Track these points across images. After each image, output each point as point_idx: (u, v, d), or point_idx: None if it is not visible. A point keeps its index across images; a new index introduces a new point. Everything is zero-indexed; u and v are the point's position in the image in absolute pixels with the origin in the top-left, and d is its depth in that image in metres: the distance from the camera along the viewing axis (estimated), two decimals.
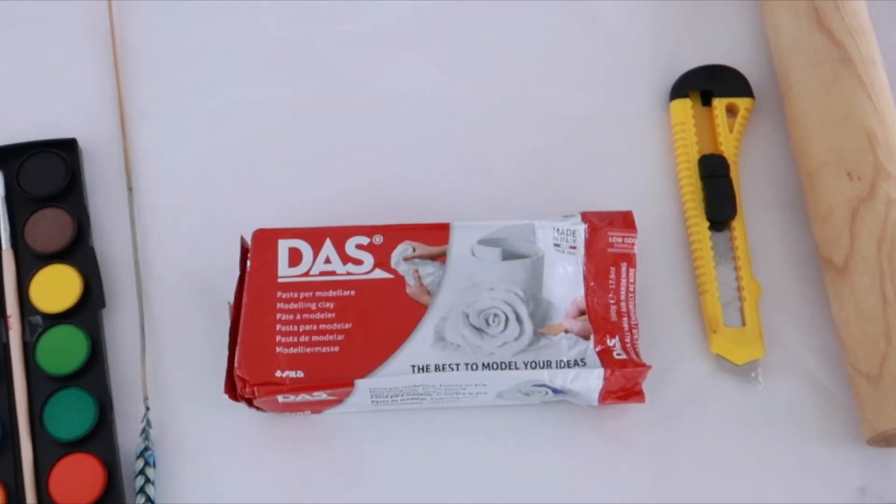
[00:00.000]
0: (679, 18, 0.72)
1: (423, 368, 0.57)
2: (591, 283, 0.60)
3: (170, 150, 0.68)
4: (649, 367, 0.58)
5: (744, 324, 0.63)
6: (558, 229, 0.61)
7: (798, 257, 0.65)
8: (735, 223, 0.65)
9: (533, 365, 0.57)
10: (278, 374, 0.57)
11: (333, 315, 0.58)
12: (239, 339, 0.58)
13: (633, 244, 0.62)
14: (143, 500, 0.58)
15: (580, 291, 0.60)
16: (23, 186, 0.66)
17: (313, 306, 0.59)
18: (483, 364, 0.57)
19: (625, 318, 0.60)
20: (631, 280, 0.61)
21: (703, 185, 0.65)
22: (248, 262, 0.60)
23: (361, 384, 0.57)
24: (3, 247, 0.64)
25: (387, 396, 0.58)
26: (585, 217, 0.62)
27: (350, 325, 0.58)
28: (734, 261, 0.64)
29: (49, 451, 0.60)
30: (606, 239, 0.62)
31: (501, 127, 0.69)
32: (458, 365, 0.57)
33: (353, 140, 0.69)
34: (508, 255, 0.60)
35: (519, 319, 0.58)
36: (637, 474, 0.60)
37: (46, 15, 0.72)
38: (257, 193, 0.67)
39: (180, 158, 0.68)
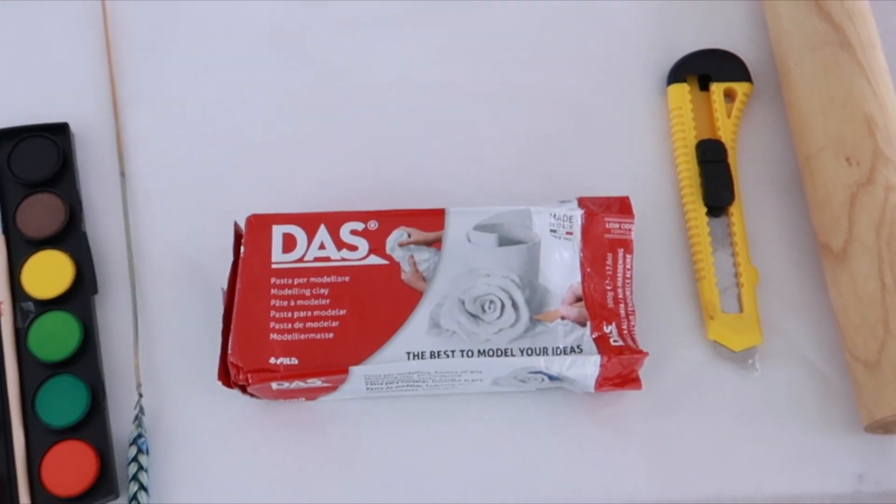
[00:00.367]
0: (677, 2, 0.72)
1: (418, 355, 0.57)
2: (588, 270, 0.60)
3: (163, 134, 0.68)
4: (646, 353, 0.58)
5: (741, 310, 0.63)
6: (555, 215, 0.61)
7: (796, 243, 0.65)
8: (733, 209, 0.65)
9: (529, 352, 0.57)
10: (272, 360, 0.57)
11: (328, 301, 0.58)
12: (232, 326, 0.58)
13: (629, 230, 0.62)
14: (136, 487, 0.59)
15: (577, 278, 0.60)
16: (14, 171, 0.66)
17: (307, 292, 0.59)
18: (479, 351, 0.57)
19: (621, 305, 0.60)
20: (628, 266, 0.61)
21: (700, 171, 0.65)
22: (242, 248, 0.60)
23: (356, 371, 0.57)
24: None
25: (382, 383, 0.58)
26: (582, 202, 0.62)
27: (345, 311, 0.58)
28: (732, 247, 0.64)
29: (41, 439, 0.60)
30: (603, 224, 0.62)
31: (497, 112, 0.69)
32: (453, 352, 0.57)
33: (347, 125, 0.69)
34: (504, 241, 0.60)
35: (515, 306, 0.58)
36: (633, 461, 0.60)
37: None
38: (251, 178, 0.67)
39: (173, 143, 0.68)
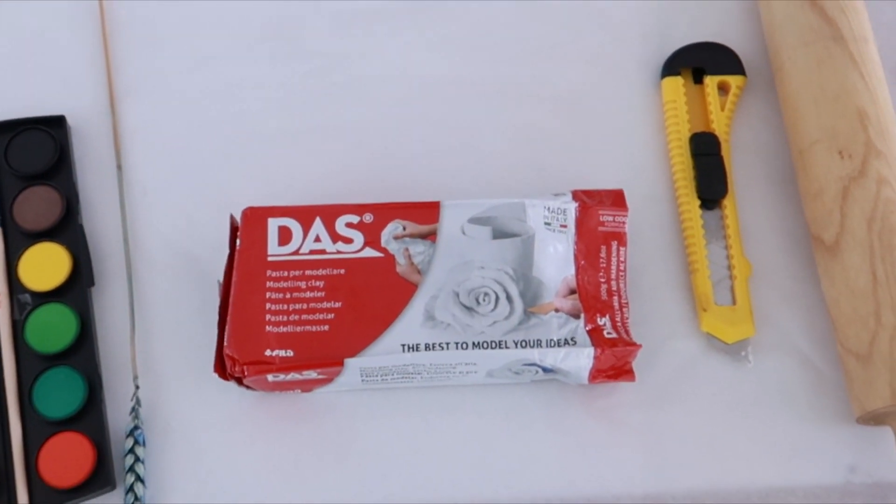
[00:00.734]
0: None
1: (413, 347, 0.57)
2: (582, 262, 0.61)
3: (159, 127, 0.68)
4: (639, 346, 0.58)
5: (734, 302, 0.63)
6: (549, 208, 0.61)
7: (789, 236, 0.65)
8: (726, 202, 0.65)
9: (523, 344, 0.57)
10: (268, 353, 0.57)
11: (323, 294, 0.58)
12: (228, 318, 0.58)
13: (623, 223, 0.62)
14: (132, 478, 0.59)
15: (571, 270, 0.60)
16: (11, 164, 0.66)
17: (303, 285, 0.59)
18: (473, 343, 0.57)
19: (615, 297, 0.60)
20: (621, 259, 0.61)
21: (694, 164, 0.66)
22: (238, 241, 0.60)
23: (351, 363, 0.57)
24: None
25: (377, 375, 0.59)
26: (576, 196, 0.62)
27: (340, 303, 0.58)
28: (725, 239, 0.65)
29: (38, 430, 0.60)
30: (597, 217, 0.62)
31: (492, 105, 0.69)
32: (448, 344, 0.57)
33: (343, 118, 0.69)
34: (499, 234, 0.60)
35: (509, 298, 0.58)
36: (627, 452, 0.60)
37: None
38: (247, 171, 0.67)
39: (170, 136, 0.68)
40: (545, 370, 0.59)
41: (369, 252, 0.60)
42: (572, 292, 0.59)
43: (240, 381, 0.59)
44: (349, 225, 0.60)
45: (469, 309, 0.58)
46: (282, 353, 0.57)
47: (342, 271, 0.59)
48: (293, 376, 0.58)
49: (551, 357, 0.57)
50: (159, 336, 0.63)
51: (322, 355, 0.57)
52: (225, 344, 0.57)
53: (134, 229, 0.66)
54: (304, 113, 0.69)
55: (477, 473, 0.60)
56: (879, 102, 0.62)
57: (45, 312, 0.63)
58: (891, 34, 0.69)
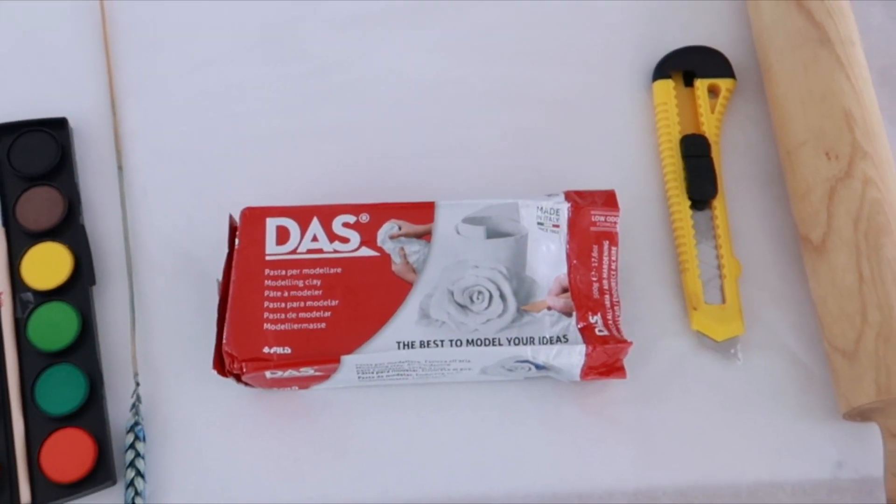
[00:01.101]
0: (662, 0, 0.72)
1: (408, 345, 0.58)
2: (574, 261, 0.61)
3: (159, 129, 0.69)
4: (630, 343, 0.59)
5: (724, 301, 0.63)
6: (542, 208, 0.62)
7: (778, 236, 0.66)
8: (716, 202, 0.66)
9: (516, 341, 0.58)
10: (266, 350, 0.57)
11: (320, 292, 0.59)
12: (227, 316, 0.58)
13: (615, 223, 0.63)
14: (133, 473, 0.59)
15: (563, 269, 0.60)
16: (14, 165, 0.66)
17: (300, 283, 0.59)
18: (467, 340, 0.58)
19: (606, 296, 0.61)
20: (613, 258, 0.62)
21: (684, 165, 0.66)
22: (237, 240, 0.61)
23: (348, 360, 0.57)
24: None
25: (373, 372, 0.59)
26: (569, 196, 0.63)
27: (337, 302, 0.59)
28: (715, 239, 0.65)
29: (40, 426, 0.60)
30: (589, 217, 0.62)
31: (486, 107, 0.69)
32: (442, 341, 0.58)
33: (340, 120, 0.69)
34: (493, 234, 0.60)
35: (503, 297, 0.59)
36: (619, 448, 0.61)
37: None
38: (246, 172, 0.67)
39: (170, 137, 0.68)
40: (538, 367, 0.59)
41: (365, 251, 0.60)
42: (564, 291, 0.60)
43: (238, 378, 0.59)
44: (346, 225, 0.61)
45: (463, 307, 0.59)
46: (280, 350, 0.57)
47: (339, 270, 0.59)
48: (291, 373, 0.58)
49: (544, 354, 0.58)
50: (159, 334, 0.63)
51: (319, 352, 0.57)
52: (224, 341, 0.58)
53: (134, 229, 0.66)
54: (302, 114, 0.69)
55: (471, 469, 0.60)
56: (865, 104, 0.63)
57: (48, 311, 0.63)
58: (878, 37, 0.70)
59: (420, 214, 0.61)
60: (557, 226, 0.62)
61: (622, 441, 0.61)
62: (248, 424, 0.61)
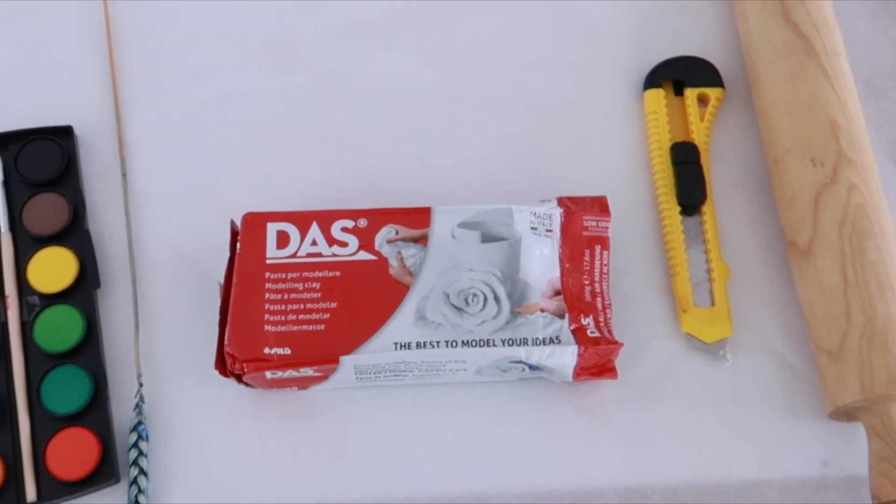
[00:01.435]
0: (653, 11, 0.73)
1: (405, 345, 0.58)
2: (567, 265, 0.62)
3: (162, 136, 0.69)
4: (621, 344, 0.59)
5: (713, 304, 0.64)
6: (535, 213, 0.62)
7: (765, 240, 0.66)
8: (705, 208, 0.66)
9: (510, 342, 0.58)
10: (266, 350, 0.58)
11: (319, 295, 0.59)
12: (229, 318, 0.59)
13: (606, 228, 0.63)
14: (136, 472, 0.59)
15: (556, 273, 0.61)
16: (21, 172, 0.67)
17: (300, 286, 0.60)
18: (462, 341, 0.58)
19: (598, 299, 0.61)
20: (605, 262, 0.62)
21: (674, 172, 0.66)
22: (238, 244, 0.61)
23: (346, 360, 0.58)
24: (2, 230, 0.65)
25: (370, 373, 0.59)
26: (561, 202, 0.63)
27: (335, 304, 0.59)
28: (704, 244, 0.65)
29: (46, 426, 0.61)
30: (581, 223, 0.63)
31: (482, 115, 0.70)
32: (438, 342, 0.58)
33: (339, 128, 0.69)
34: (487, 238, 0.61)
35: (497, 299, 0.59)
36: (611, 447, 0.61)
37: (43, 6, 0.73)
38: (247, 179, 0.68)
39: (173, 145, 0.69)
40: (531, 368, 0.60)
41: (363, 255, 0.60)
42: (557, 294, 0.60)
43: (239, 379, 0.59)
44: (344, 229, 0.61)
45: (459, 309, 0.59)
46: (280, 350, 0.58)
47: (337, 273, 0.60)
48: (290, 373, 0.59)
49: (537, 355, 0.58)
50: (162, 336, 0.64)
51: (318, 353, 0.58)
52: (225, 342, 0.58)
53: (138, 234, 0.66)
54: (302, 122, 0.69)
55: (467, 468, 0.61)
56: (850, 113, 0.64)
57: (53, 313, 0.63)
58: (863, 49, 0.71)
59: (416, 219, 0.62)
60: (550, 230, 0.62)
61: (614, 440, 0.61)
62: (249, 424, 0.62)
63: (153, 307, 0.65)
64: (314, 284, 0.60)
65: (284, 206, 0.63)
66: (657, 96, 0.69)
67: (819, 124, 0.63)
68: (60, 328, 0.63)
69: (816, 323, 0.61)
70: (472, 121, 0.70)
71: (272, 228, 0.61)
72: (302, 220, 0.62)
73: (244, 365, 0.58)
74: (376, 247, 0.61)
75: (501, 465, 0.61)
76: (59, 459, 0.60)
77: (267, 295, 0.60)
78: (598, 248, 0.63)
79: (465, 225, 0.61)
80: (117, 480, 0.60)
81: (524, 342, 0.59)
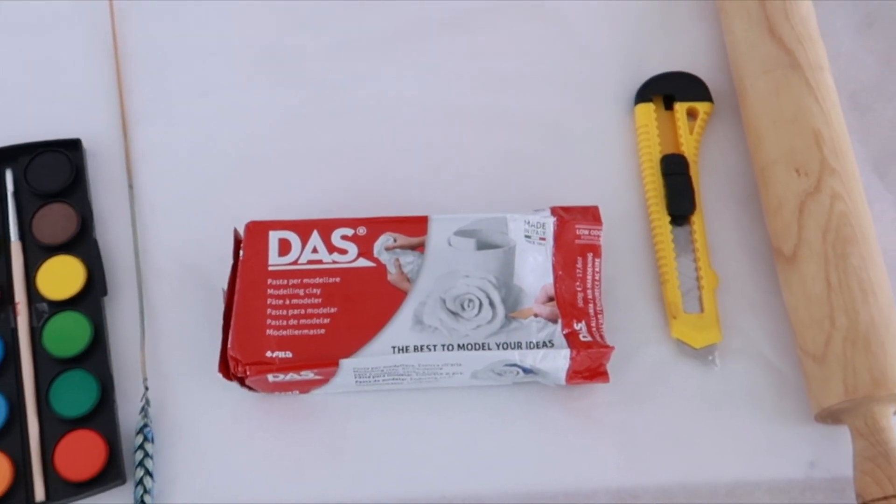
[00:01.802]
0: (644, 29, 0.74)
1: (402, 349, 0.59)
2: (560, 272, 0.62)
3: (168, 149, 0.70)
4: (612, 347, 0.60)
5: (702, 310, 0.65)
6: (529, 222, 0.63)
7: (753, 249, 0.67)
8: (694, 218, 0.67)
9: (505, 346, 0.59)
10: (268, 354, 0.59)
11: (320, 300, 0.60)
12: (232, 323, 0.60)
13: (598, 236, 0.64)
14: (142, 473, 0.60)
15: (549, 279, 0.62)
16: (31, 183, 0.67)
17: (301, 292, 0.61)
18: (458, 345, 0.59)
19: (590, 305, 0.62)
20: (596, 269, 0.63)
21: (664, 183, 0.67)
22: (241, 252, 0.62)
23: (346, 364, 0.59)
24: (13, 239, 0.66)
25: (369, 376, 0.60)
26: (554, 211, 0.64)
27: (335, 309, 0.60)
28: (693, 252, 0.66)
29: (54, 428, 0.62)
30: (574, 231, 0.64)
31: (478, 128, 0.71)
32: (435, 346, 0.59)
33: (338, 140, 0.70)
34: (482, 246, 0.62)
35: (492, 304, 0.60)
36: (603, 449, 0.62)
37: (52, 24, 0.74)
38: (249, 190, 0.68)
39: (178, 157, 0.70)
40: (525, 371, 0.60)
41: (362, 262, 0.61)
42: (550, 299, 0.61)
43: (242, 382, 0.60)
44: (344, 237, 0.62)
45: (455, 314, 0.60)
46: (281, 354, 0.59)
47: (337, 280, 0.61)
48: (292, 376, 0.59)
49: (531, 358, 0.59)
50: (167, 341, 0.64)
51: (319, 356, 0.59)
52: (229, 346, 0.59)
53: (144, 243, 0.67)
54: (303, 135, 0.70)
55: (463, 470, 0.61)
56: (833, 124, 0.65)
57: (62, 320, 0.64)
58: (848, 63, 0.72)
59: (414, 228, 0.62)
60: (544, 238, 0.63)
61: (606, 442, 0.62)
62: (252, 426, 0.62)
63: (159, 314, 0.65)
64: (315, 290, 0.61)
65: (286, 216, 0.63)
66: (648, 110, 0.70)
67: (803, 135, 0.64)
68: (69, 334, 0.64)
69: (801, 327, 0.62)
70: (468, 133, 0.71)
71: (274, 236, 0.62)
72: (303, 228, 0.62)
73: (247, 368, 0.59)
74: (375, 254, 0.62)
75: (497, 467, 0.61)
76: (67, 461, 0.61)
77: (269, 300, 0.60)
78: (590, 256, 0.64)
79: (461, 233, 0.62)
80: (123, 481, 0.61)
81: (518, 346, 0.59)
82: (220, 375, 0.60)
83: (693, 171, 0.68)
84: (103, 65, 0.73)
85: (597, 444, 0.62)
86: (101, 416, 0.62)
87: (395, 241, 0.62)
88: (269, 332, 0.60)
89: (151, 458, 0.61)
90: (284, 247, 0.62)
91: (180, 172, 0.70)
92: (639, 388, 0.63)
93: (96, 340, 0.64)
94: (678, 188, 0.67)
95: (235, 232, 0.63)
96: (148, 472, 0.61)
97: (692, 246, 0.67)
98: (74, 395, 0.62)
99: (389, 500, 0.61)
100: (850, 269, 0.61)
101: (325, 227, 0.63)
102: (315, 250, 0.62)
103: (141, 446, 0.61)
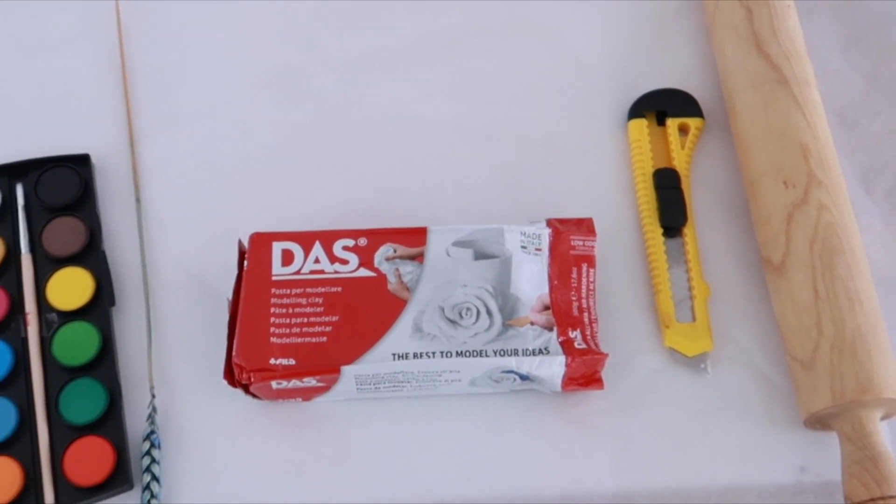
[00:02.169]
0: (636, 47, 0.75)
1: (402, 356, 0.60)
2: (555, 282, 0.63)
3: (174, 164, 0.71)
4: (606, 354, 0.61)
5: (694, 320, 0.65)
6: (525, 233, 0.64)
7: (743, 259, 0.68)
8: (686, 230, 0.68)
9: (501, 353, 0.60)
10: (272, 361, 0.60)
11: (322, 309, 0.61)
12: (237, 331, 0.61)
13: (592, 247, 0.65)
14: (149, 478, 0.61)
15: (545, 289, 0.63)
16: (41, 197, 0.68)
17: (304, 301, 0.62)
18: (457, 352, 0.60)
19: (585, 314, 0.63)
20: (591, 279, 0.64)
21: (657, 196, 0.68)
22: (245, 262, 0.63)
23: (347, 370, 0.60)
24: (23, 251, 0.67)
25: (370, 383, 0.61)
26: (550, 223, 0.65)
27: (337, 317, 0.61)
28: (685, 263, 0.67)
29: (64, 435, 0.62)
30: (569, 242, 0.65)
31: (476, 143, 0.72)
32: (434, 353, 0.60)
33: (340, 155, 0.71)
34: (480, 256, 0.63)
35: (489, 312, 0.61)
36: (598, 454, 0.63)
37: (62, 43, 0.75)
38: (253, 204, 0.69)
39: (183, 171, 0.71)
40: (522, 378, 0.61)
41: (363, 272, 0.62)
42: (546, 308, 0.62)
43: (246, 389, 0.61)
44: (345, 248, 0.63)
45: (453, 322, 0.61)
46: (284, 361, 0.60)
47: (339, 289, 0.62)
48: (295, 383, 0.60)
49: (527, 364, 0.60)
50: (173, 350, 0.65)
51: (321, 363, 0.60)
52: (233, 353, 0.60)
53: (151, 255, 0.68)
54: (306, 151, 0.71)
55: (462, 475, 0.62)
56: (820, 138, 0.66)
57: (71, 329, 0.65)
58: (835, 80, 0.73)
59: (413, 239, 0.63)
60: (539, 249, 0.64)
61: (601, 448, 0.63)
62: (256, 433, 0.63)
63: (165, 323, 0.66)
64: (317, 299, 0.62)
65: (289, 228, 0.64)
66: (640, 126, 0.71)
67: (790, 148, 0.65)
68: (77, 343, 0.65)
69: (790, 334, 0.63)
70: (466, 148, 0.72)
71: (277, 247, 0.63)
72: (305, 239, 0.63)
73: (251, 374, 0.60)
74: (375, 264, 0.63)
75: (495, 472, 0.62)
76: (76, 466, 0.62)
77: (272, 309, 0.61)
78: (584, 266, 0.65)
79: (459, 244, 0.63)
80: (131, 486, 0.62)
81: (515, 353, 0.60)
82: (225, 383, 0.61)
83: (685, 185, 0.69)
84: (111, 82, 0.74)
85: (592, 449, 0.63)
86: (109, 422, 0.63)
87: (395, 251, 0.63)
88: (273, 339, 0.61)
89: (158, 463, 0.62)
90: (287, 257, 0.63)
91: (186, 186, 0.70)
92: (633, 395, 0.64)
93: (104, 349, 0.65)
94: (670, 201, 0.68)
95: (240, 243, 0.64)
96: (155, 478, 0.61)
97: (684, 257, 0.68)
98: (83, 402, 0.63)
99: (390, 502, 0.62)
100: (837, 279, 0.62)
101: (327, 239, 0.64)
102: (317, 260, 0.63)
103: (148, 452, 0.62)
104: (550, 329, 0.62)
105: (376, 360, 0.60)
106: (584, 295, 0.64)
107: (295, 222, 0.66)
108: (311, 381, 0.61)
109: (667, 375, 0.65)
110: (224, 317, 0.63)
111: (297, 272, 0.63)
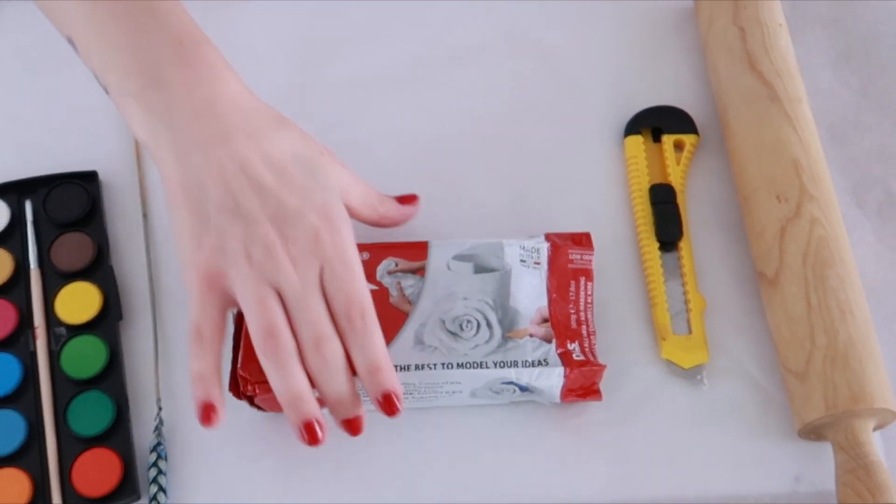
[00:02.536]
0: (633, 65, 0.76)
1: (404, 368, 0.61)
2: (554, 295, 0.64)
3: None
4: (604, 366, 0.62)
5: (690, 332, 0.66)
6: (524, 247, 0.65)
7: (738, 273, 0.68)
8: (682, 244, 0.69)
9: (501, 364, 0.61)
10: None
11: None
12: (242, 344, 0.61)
13: (590, 261, 0.66)
14: (155, 489, 0.62)
15: (543, 301, 0.64)
16: (49, 213, 0.69)
17: None
18: (457, 364, 0.61)
19: (583, 326, 0.64)
20: (589, 293, 0.65)
21: (653, 211, 0.69)
22: None
23: None
24: (32, 266, 0.68)
25: None
26: (548, 237, 0.66)
27: None
28: (681, 277, 0.68)
29: (72, 446, 0.63)
30: (567, 256, 0.66)
31: (475, 159, 0.72)
32: (435, 364, 0.61)
33: None
34: (480, 269, 0.64)
35: (489, 325, 0.62)
36: (596, 465, 0.63)
37: (71, 61, 0.71)
38: None
39: None
40: (522, 389, 0.62)
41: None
42: (545, 321, 0.63)
43: (251, 401, 0.62)
44: None
45: (454, 334, 0.62)
46: None
47: None
48: None
49: (526, 375, 0.61)
50: (180, 363, 0.66)
51: None
52: (238, 366, 0.61)
53: (157, 270, 0.69)
54: None
55: (462, 485, 0.63)
56: (811, 153, 0.67)
57: (79, 343, 0.66)
58: (826, 98, 0.74)
59: (415, 252, 0.64)
60: (538, 263, 0.65)
61: (599, 458, 0.64)
62: (260, 445, 0.64)
63: (172, 337, 0.67)
64: None
65: None
66: (637, 142, 0.72)
67: (783, 163, 0.66)
68: (86, 357, 0.65)
69: (784, 346, 0.64)
70: (467, 165, 0.72)
71: None
72: None
73: (256, 386, 0.60)
74: (378, 277, 0.63)
75: (495, 482, 0.63)
76: (84, 477, 0.62)
77: None
78: (582, 280, 0.66)
79: (459, 257, 0.64)
80: (138, 497, 0.62)
81: (515, 364, 0.61)
82: (230, 395, 0.61)
83: (680, 200, 0.70)
84: None
85: (590, 459, 0.64)
86: (117, 434, 0.64)
87: (396, 265, 0.64)
88: None
89: (165, 474, 0.63)
90: None
91: None
92: (630, 406, 0.65)
93: (112, 363, 0.65)
94: (666, 216, 0.69)
95: None
96: (161, 489, 0.62)
97: (680, 271, 0.69)
98: (91, 414, 0.64)
99: None
100: (829, 290, 0.63)
101: None
102: None
103: (155, 464, 0.63)
104: (549, 341, 0.62)
105: None
106: (582, 308, 0.65)
107: None
108: (315, 393, 0.60)
109: (663, 387, 0.66)
110: (229, 330, 0.62)
111: None
